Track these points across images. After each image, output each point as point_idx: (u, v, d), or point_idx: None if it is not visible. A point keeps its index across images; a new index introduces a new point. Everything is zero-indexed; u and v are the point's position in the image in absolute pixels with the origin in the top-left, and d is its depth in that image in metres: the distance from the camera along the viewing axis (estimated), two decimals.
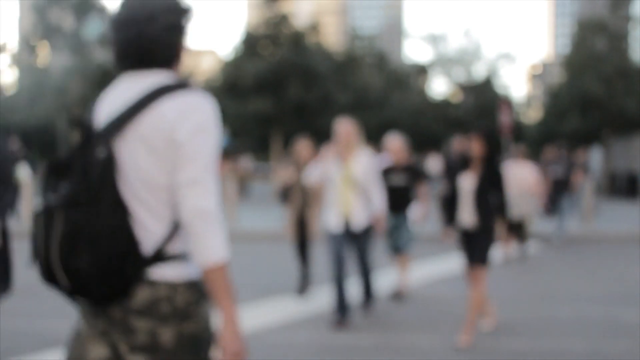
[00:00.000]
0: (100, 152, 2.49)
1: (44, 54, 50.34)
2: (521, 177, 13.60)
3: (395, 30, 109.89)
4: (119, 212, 2.46)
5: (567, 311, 8.70)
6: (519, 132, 48.95)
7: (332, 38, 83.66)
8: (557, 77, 58.07)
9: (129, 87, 2.61)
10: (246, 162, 40.13)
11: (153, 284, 2.51)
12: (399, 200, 9.74)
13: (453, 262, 12.84)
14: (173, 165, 2.51)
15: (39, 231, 2.49)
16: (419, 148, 49.32)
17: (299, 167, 9.78)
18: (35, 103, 49.34)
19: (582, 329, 7.80)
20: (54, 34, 48.93)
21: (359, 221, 8.08)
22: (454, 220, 7.35)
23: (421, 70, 54.21)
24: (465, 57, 53.61)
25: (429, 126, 50.43)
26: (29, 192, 18.88)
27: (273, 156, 40.01)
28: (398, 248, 9.87)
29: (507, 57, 54.24)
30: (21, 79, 53.24)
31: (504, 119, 22.17)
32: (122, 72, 2.66)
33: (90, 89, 47.01)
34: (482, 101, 51.26)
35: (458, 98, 53.82)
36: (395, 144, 9.81)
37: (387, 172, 9.60)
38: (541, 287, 10.66)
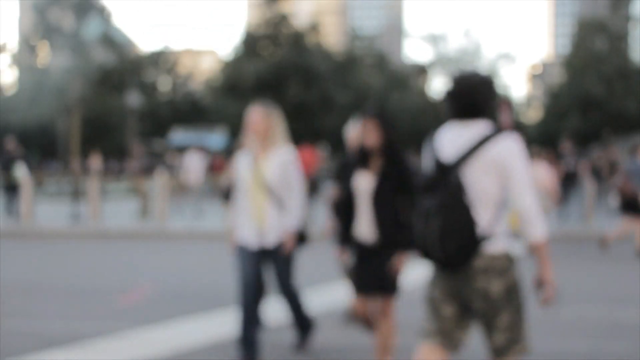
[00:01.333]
0: (454, 177, 4.06)
1: (44, 54, 50.35)
2: (536, 177, 13.93)
3: (395, 30, 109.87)
4: (469, 213, 4.01)
5: (567, 311, 8.69)
6: (519, 132, 48.95)
7: (332, 38, 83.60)
8: (557, 77, 58.06)
9: (461, 132, 4.15)
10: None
11: (485, 254, 4.06)
12: None
13: None
14: (504, 182, 4.07)
15: (421, 225, 4.06)
16: (419, 148, 49.33)
17: None
18: (35, 103, 49.33)
19: (582, 329, 7.79)
20: (54, 34, 48.94)
21: (274, 236, 6.33)
22: (349, 233, 5.68)
23: (421, 70, 54.24)
24: (465, 57, 53.63)
25: (429, 126, 50.42)
26: (28, 191, 18.86)
27: None
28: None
29: (507, 57, 54.30)
30: (21, 79, 53.24)
31: (504, 119, 22.15)
32: (452, 120, 4.19)
33: (90, 89, 46.99)
34: None
35: None
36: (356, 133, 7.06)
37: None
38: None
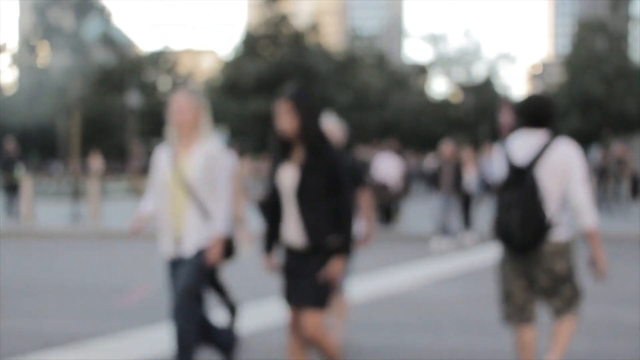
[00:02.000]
0: (529, 177, 5.05)
1: (44, 54, 50.36)
2: None
3: (395, 30, 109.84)
4: (542, 206, 5.03)
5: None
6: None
7: (332, 38, 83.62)
8: (557, 77, 58.07)
9: (529, 139, 5.18)
10: (246, 162, 40.11)
11: (552, 241, 5.10)
12: None
13: (450, 263, 12.84)
14: (565, 180, 5.06)
15: (503, 215, 5.12)
16: (419, 148, 49.31)
17: None
18: (35, 103, 49.33)
19: (582, 329, 7.79)
20: (54, 34, 48.95)
21: (192, 245, 5.39)
22: (276, 237, 5.00)
23: (421, 70, 54.22)
24: (465, 57, 53.61)
25: (429, 126, 50.41)
26: (28, 191, 18.86)
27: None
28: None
29: (507, 57, 54.26)
30: (21, 79, 53.24)
31: (504, 119, 22.13)
32: (521, 129, 5.22)
33: (90, 89, 46.99)
34: (482, 101, 51.26)
35: (458, 98, 53.82)
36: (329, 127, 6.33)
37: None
38: None
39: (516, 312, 5.27)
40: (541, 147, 5.11)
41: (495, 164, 5.35)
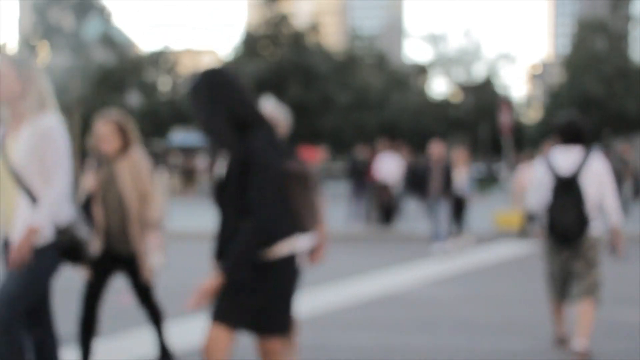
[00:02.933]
0: (576, 186, 6.47)
1: (44, 54, 50.36)
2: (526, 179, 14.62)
3: (395, 30, 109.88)
4: (587, 208, 6.46)
5: (567, 311, 8.69)
6: (519, 132, 48.92)
7: (332, 38, 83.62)
8: (557, 77, 58.08)
9: (569, 154, 6.57)
10: None
11: (589, 236, 6.52)
12: None
13: (450, 263, 12.84)
14: (600, 188, 6.52)
15: (559, 215, 6.49)
16: (419, 148, 49.32)
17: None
18: None
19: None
20: (54, 34, 48.95)
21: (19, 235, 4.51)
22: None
23: (421, 70, 54.23)
24: (465, 57, 53.62)
25: (429, 126, 50.40)
26: None
27: None
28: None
29: (507, 57, 54.27)
30: None
31: (504, 119, 22.15)
32: (560, 145, 6.64)
33: (90, 89, 46.99)
34: (482, 101, 51.27)
35: (458, 98, 53.81)
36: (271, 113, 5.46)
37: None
38: (541, 287, 10.65)
39: (556, 289, 6.75)
40: (581, 161, 6.55)
41: (537, 173, 6.73)
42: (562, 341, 6.88)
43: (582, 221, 6.48)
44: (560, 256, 6.66)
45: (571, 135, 6.59)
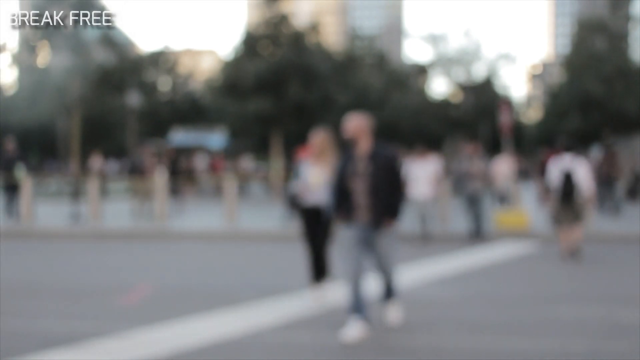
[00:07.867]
0: (574, 178, 12.86)
1: (44, 54, 50.31)
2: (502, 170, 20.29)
3: (395, 30, 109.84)
4: (574, 183, 12.88)
5: (567, 311, 8.69)
6: (518, 132, 48.91)
7: (332, 38, 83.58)
8: (557, 77, 58.06)
9: (566, 158, 12.94)
10: (246, 162, 40.10)
11: (577, 199, 13.04)
12: None
13: (450, 263, 12.84)
14: (581, 174, 13.03)
15: (567, 190, 12.91)
16: (419, 148, 49.27)
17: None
18: (35, 103, 49.31)
19: (582, 329, 7.79)
20: (54, 34, 48.88)
21: None
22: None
23: (421, 70, 54.19)
24: (465, 57, 53.56)
25: (429, 126, 50.38)
26: (28, 191, 18.85)
27: (273, 156, 40.02)
28: None
29: (507, 57, 54.22)
30: (21, 79, 53.22)
31: (504, 119, 22.15)
32: (563, 152, 13.12)
33: (90, 89, 46.98)
34: (482, 101, 51.25)
35: (458, 98, 53.80)
36: None
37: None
38: (541, 287, 10.65)
39: (562, 223, 12.84)
40: (574, 162, 12.70)
41: (552, 170, 12.74)
42: (571, 252, 12.79)
43: (573, 192, 12.64)
44: (564, 207, 12.82)
45: (569, 147, 12.99)
